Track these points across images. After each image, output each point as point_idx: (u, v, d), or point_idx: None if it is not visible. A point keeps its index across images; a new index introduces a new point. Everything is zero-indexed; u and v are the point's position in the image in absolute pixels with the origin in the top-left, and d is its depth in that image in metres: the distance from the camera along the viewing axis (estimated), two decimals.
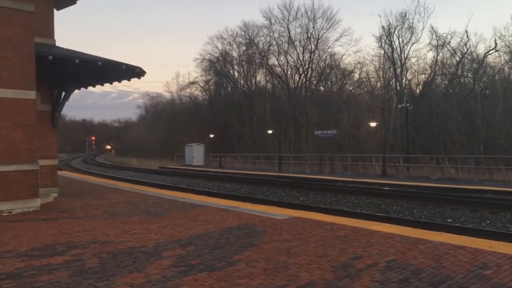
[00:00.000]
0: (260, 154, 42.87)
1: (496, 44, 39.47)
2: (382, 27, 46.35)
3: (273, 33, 54.45)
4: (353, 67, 51.58)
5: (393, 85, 45.10)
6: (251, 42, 56.61)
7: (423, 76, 45.09)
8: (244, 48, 57.99)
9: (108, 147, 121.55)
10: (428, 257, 5.47)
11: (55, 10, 13.51)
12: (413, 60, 46.19)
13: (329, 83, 53.69)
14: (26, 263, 5.45)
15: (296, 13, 53.19)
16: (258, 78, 59.19)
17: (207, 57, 61.27)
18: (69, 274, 4.93)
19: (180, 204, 10.81)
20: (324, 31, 52.13)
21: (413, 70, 45.56)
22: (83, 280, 4.72)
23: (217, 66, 61.73)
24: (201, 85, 65.12)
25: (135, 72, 12.65)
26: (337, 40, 53.11)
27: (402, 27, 44.37)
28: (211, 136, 47.57)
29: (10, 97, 9.75)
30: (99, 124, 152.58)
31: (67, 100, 13.32)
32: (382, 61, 46.33)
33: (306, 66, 52.74)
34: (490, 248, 5.91)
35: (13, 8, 9.77)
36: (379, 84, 47.53)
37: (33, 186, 10.13)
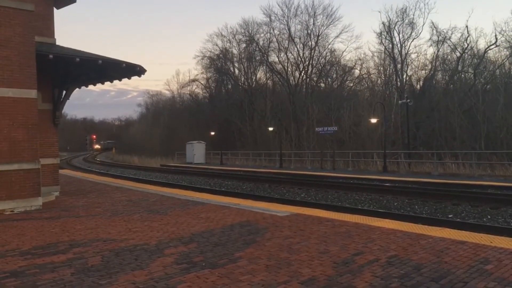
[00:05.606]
0: (261, 151, 42.85)
1: (496, 39, 39.40)
2: (383, 23, 46.36)
3: (273, 30, 54.42)
4: (354, 64, 51.49)
5: (394, 81, 45.01)
6: (251, 39, 56.51)
7: (424, 72, 44.99)
8: (244, 45, 57.93)
9: (98, 146, 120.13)
10: (429, 252, 5.49)
11: (55, 9, 13.51)
12: (413, 56, 46.12)
13: (329, 79, 53.60)
14: (29, 261, 5.49)
15: (296, 10, 53.35)
16: (258, 75, 59.14)
17: (208, 55, 61.25)
18: (72, 272, 4.96)
19: (181, 202, 10.84)
20: (325, 27, 52.09)
21: (413, 66, 45.48)
22: (86, 278, 4.75)
23: (218, 64, 61.65)
24: (202, 82, 65.14)
25: (136, 70, 12.65)
26: (337, 36, 53.53)
27: (403, 23, 44.25)
28: (212, 133, 47.58)
29: (12, 97, 9.77)
30: (99, 123, 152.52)
31: (68, 99, 13.34)
32: (382, 57, 46.25)
33: (307, 62, 52.67)
34: (491, 243, 5.93)
35: (13, 7, 9.78)
36: (379, 80, 47.46)
37: (35, 185, 10.16)
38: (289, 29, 52.83)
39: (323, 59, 52.55)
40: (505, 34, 39.50)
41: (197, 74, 70.08)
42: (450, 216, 11.85)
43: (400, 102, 36.56)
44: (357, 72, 51.41)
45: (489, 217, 11.52)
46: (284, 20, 53.24)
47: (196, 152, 44.71)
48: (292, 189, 18.85)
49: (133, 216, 8.77)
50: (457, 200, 13.78)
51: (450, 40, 42.33)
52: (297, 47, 53.00)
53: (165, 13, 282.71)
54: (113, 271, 4.98)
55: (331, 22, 51.92)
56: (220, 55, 60.80)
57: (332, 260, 5.23)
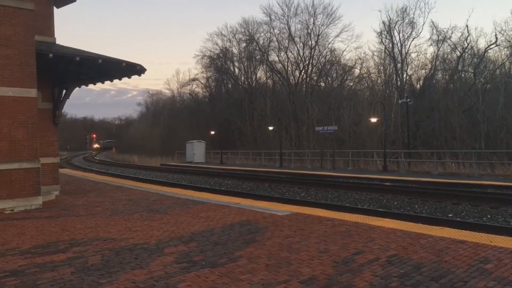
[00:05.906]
0: (261, 150, 42.84)
1: (496, 38, 39.44)
2: (383, 22, 46.38)
3: (273, 29, 54.44)
4: (354, 63, 51.54)
5: (394, 80, 45.02)
6: (251, 39, 56.52)
7: (424, 71, 45.02)
8: (244, 44, 57.94)
9: (97, 145, 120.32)
10: (429, 251, 5.49)
11: (54, 8, 13.50)
12: (413, 55, 46.14)
13: (329, 79, 53.62)
14: (29, 260, 5.49)
15: (296, 9, 53.35)
16: (258, 75, 59.15)
17: (208, 54, 61.24)
18: (72, 271, 4.96)
19: (181, 201, 10.84)
20: (325, 27, 52.12)
21: (413, 66, 45.51)
22: (86, 277, 4.75)
23: (218, 63, 61.64)
24: (202, 82, 65.12)
25: (136, 69, 12.64)
26: (337, 36, 53.58)
27: (403, 22, 44.28)
28: (212, 133, 47.58)
29: (12, 96, 9.77)
30: (99, 122, 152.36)
31: (68, 98, 13.34)
32: (382, 56, 46.27)
33: (307, 62, 52.69)
34: (491, 243, 5.93)
35: (14, 6, 9.78)
36: (379, 79, 47.48)
37: (35, 184, 10.16)
38: (289, 29, 52.91)
39: (323, 59, 52.63)
40: (505, 33, 39.58)
41: (197, 74, 70.05)
42: (450, 215, 11.85)
43: (400, 101, 36.56)
44: (357, 71, 51.50)
45: (489, 216, 11.52)
46: (284, 20, 53.33)
47: (196, 151, 44.71)
48: (292, 189, 18.85)
49: (133, 215, 8.77)
50: (457, 199, 13.78)
51: (450, 40, 42.40)
52: (297, 47, 53.07)
53: (165, 13, 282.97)
54: (113, 270, 4.98)
55: (331, 21, 52.02)
56: (220, 54, 60.84)
57: (332, 259, 5.23)
